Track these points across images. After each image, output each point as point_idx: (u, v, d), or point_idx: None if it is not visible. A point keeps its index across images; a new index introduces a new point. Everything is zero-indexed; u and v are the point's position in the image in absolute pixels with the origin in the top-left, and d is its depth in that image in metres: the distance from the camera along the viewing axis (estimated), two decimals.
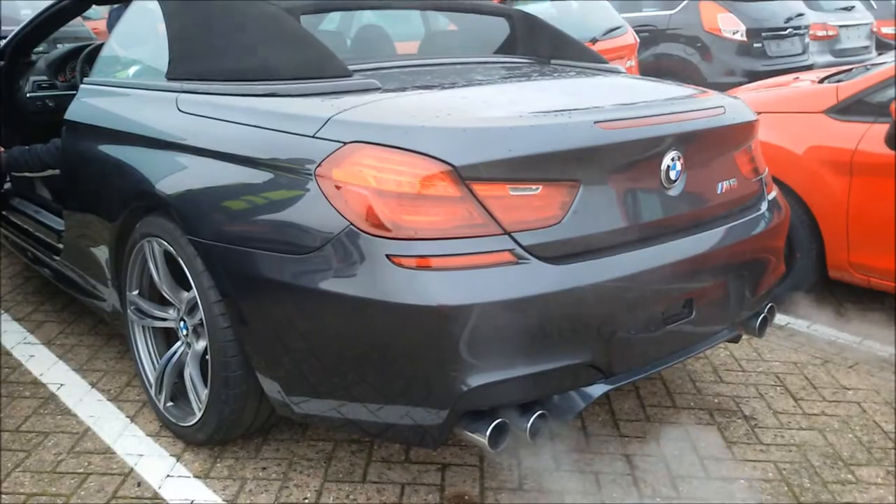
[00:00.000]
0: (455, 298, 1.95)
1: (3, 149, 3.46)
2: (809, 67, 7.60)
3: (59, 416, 2.78)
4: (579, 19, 6.60)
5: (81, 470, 2.47)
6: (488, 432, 2.02)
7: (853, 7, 9.44)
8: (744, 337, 2.79)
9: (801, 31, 8.05)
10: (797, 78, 4.53)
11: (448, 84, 2.73)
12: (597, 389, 2.20)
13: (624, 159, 2.25)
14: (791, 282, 3.75)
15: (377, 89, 2.41)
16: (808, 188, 3.62)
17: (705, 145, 2.47)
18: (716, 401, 2.93)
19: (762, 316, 2.66)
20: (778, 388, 3.04)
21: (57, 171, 3.33)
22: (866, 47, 9.23)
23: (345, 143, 2.09)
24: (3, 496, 2.34)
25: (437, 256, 1.99)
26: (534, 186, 2.09)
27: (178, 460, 2.52)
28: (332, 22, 4.88)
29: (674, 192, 2.35)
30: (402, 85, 2.61)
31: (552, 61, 3.30)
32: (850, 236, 3.51)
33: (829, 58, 8.54)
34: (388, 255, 1.98)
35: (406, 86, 2.63)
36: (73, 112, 3.09)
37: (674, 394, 2.96)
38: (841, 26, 9.00)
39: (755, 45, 7.62)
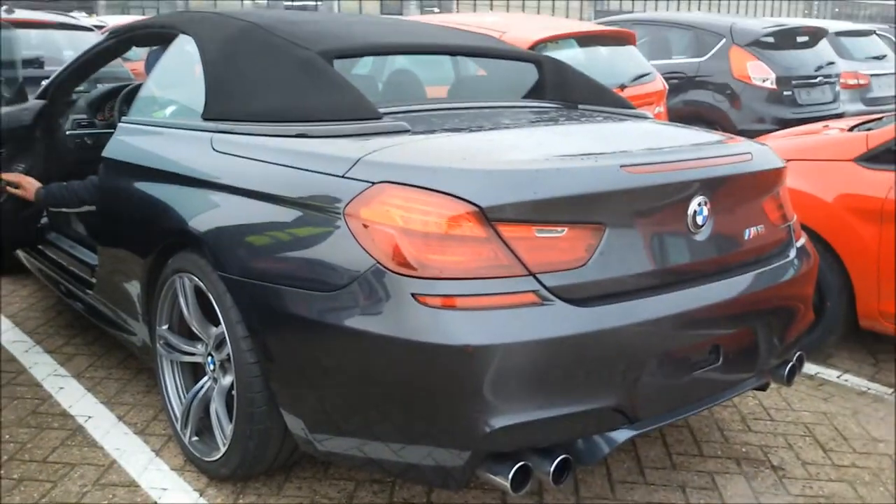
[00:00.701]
0: (479, 338, 1.96)
1: (41, 185, 3.55)
2: (840, 116, 7.58)
3: (85, 447, 2.81)
4: (608, 66, 6.64)
5: (106, 502, 2.49)
6: (511, 475, 2.01)
7: (885, 56, 9.43)
8: (773, 386, 2.76)
9: (832, 80, 8.05)
10: (826, 126, 4.52)
11: (476, 127, 2.77)
12: (621, 434, 2.18)
13: (650, 203, 2.26)
14: (821, 331, 3.70)
15: (406, 131, 2.45)
16: (839, 236, 3.59)
17: (732, 191, 2.48)
18: (743, 450, 2.88)
19: (791, 364, 2.62)
20: (807, 438, 2.99)
21: (93, 208, 3.41)
22: None
23: (373, 184, 2.12)
24: None
25: (461, 296, 2.00)
26: (559, 228, 2.10)
27: (201, 495, 2.53)
28: (364, 66, 4.98)
29: (700, 237, 2.35)
30: (430, 127, 2.66)
31: (580, 106, 3.34)
32: (881, 285, 3.47)
33: (860, 106, 8.52)
34: (413, 294, 2.00)
35: (435, 128, 2.68)
36: (111, 150, 3.16)
37: (701, 442, 2.92)
38: (872, 75, 8.99)
39: (785, 92, 7.62)
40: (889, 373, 3.56)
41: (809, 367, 3.54)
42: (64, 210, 3.68)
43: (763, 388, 2.68)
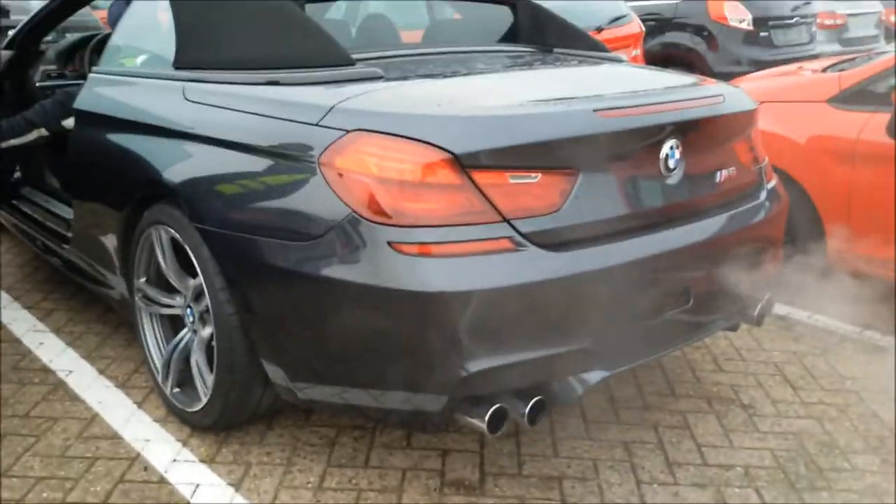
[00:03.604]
0: (454, 285, 1.98)
1: None
2: (816, 57, 7.58)
3: (67, 402, 2.83)
4: (585, 8, 6.59)
5: (89, 454, 2.52)
6: (487, 417, 2.05)
7: None
8: (744, 327, 2.82)
9: (808, 20, 8.02)
10: (801, 67, 4.53)
11: (450, 73, 2.75)
12: (595, 376, 2.22)
13: (623, 147, 2.28)
14: (792, 272, 3.76)
15: (380, 78, 2.44)
16: (810, 177, 3.63)
17: (704, 133, 2.49)
18: (715, 389, 2.95)
19: (761, 305, 2.67)
20: (777, 377, 3.06)
21: (45, 132, 3.39)
22: (874, 36, 9.18)
23: (348, 132, 2.12)
24: (14, 479, 2.39)
25: (437, 243, 2.02)
26: (533, 174, 2.11)
27: (184, 445, 2.57)
28: (338, 11, 4.90)
29: (672, 180, 2.37)
30: (404, 74, 2.64)
31: (555, 50, 3.32)
32: (852, 226, 3.53)
33: (836, 47, 8.50)
34: (389, 242, 2.01)
35: (409, 74, 2.66)
36: (82, 101, 3.12)
37: (673, 382, 2.99)
38: (849, 15, 8.96)
39: (762, 34, 7.60)
40: (858, 312, 3.63)
41: (780, 308, 3.60)
42: (16, 144, 3.56)
43: (733, 328, 2.73)
